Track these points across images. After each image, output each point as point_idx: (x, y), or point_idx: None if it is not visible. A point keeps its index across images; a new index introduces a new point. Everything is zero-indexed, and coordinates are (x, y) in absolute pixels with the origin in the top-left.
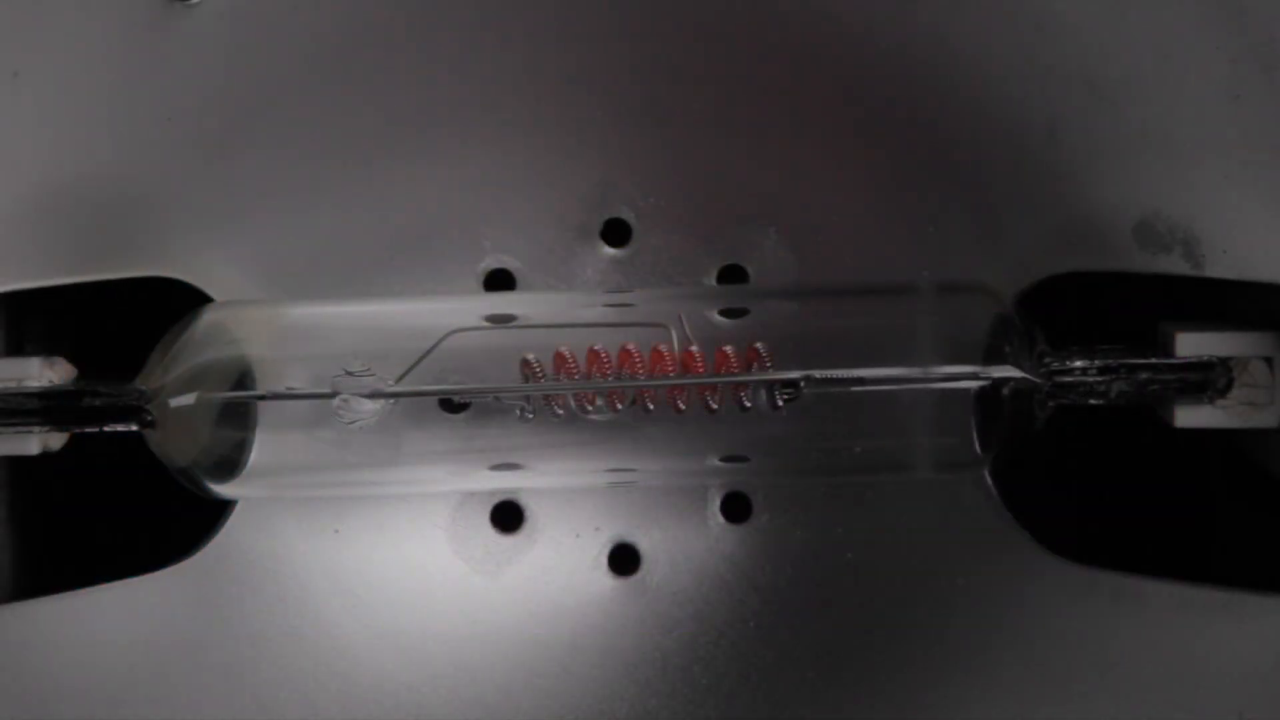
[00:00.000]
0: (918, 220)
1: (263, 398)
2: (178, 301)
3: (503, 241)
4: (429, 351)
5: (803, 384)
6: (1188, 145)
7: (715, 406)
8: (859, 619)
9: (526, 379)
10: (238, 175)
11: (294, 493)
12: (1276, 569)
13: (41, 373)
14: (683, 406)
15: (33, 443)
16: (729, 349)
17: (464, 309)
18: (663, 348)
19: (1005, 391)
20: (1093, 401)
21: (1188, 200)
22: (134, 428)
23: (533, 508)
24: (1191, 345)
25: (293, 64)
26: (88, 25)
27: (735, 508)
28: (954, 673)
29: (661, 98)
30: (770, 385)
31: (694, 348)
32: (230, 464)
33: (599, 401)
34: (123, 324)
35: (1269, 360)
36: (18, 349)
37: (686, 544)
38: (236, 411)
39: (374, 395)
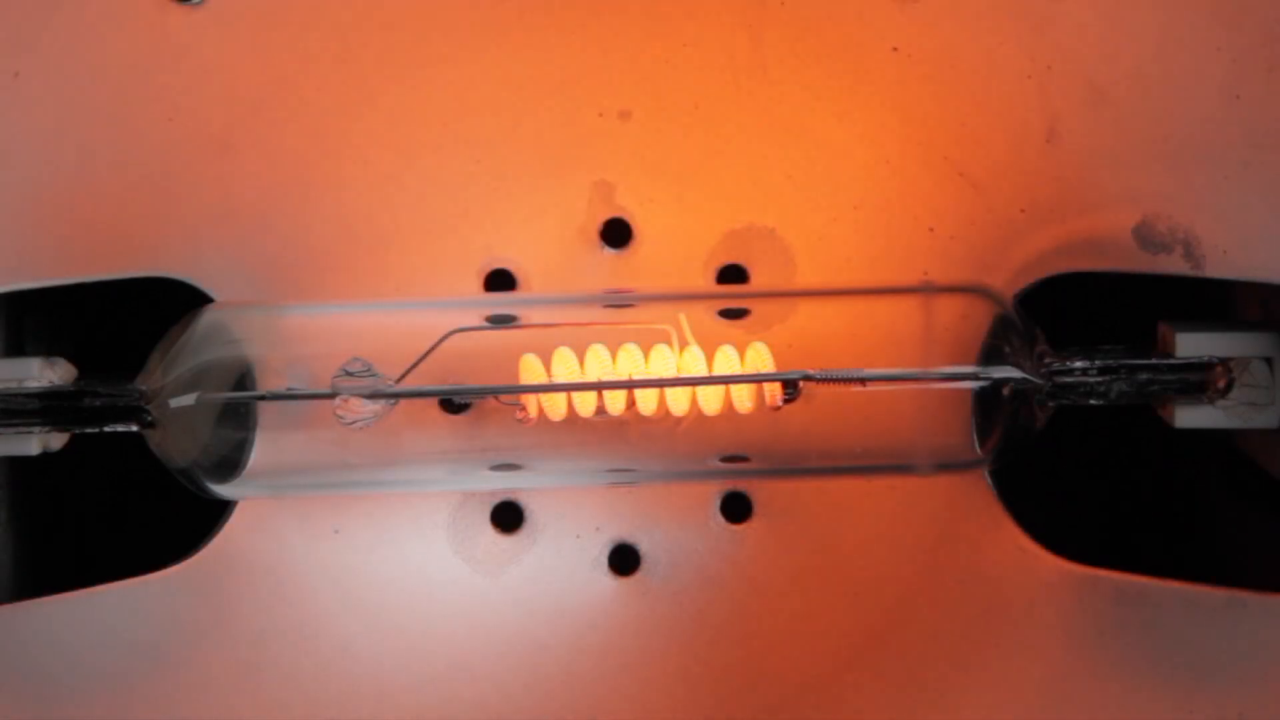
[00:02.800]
0: (918, 220)
1: (263, 398)
2: (178, 301)
3: (503, 241)
4: (429, 351)
5: (802, 384)
6: (1188, 145)
7: (716, 407)
8: (859, 619)
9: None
10: (238, 175)
11: (294, 493)
12: (1276, 569)
13: (41, 373)
14: (683, 406)
15: (33, 443)
16: (729, 349)
17: (464, 309)
18: (663, 348)
19: (1005, 392)
20: (1093, 402)
21: (1188, 200)
22: (134, 428)
23: (533, 508)
24: (1191, 345)
25: (293, 63)
26: (88, 25)
27: (735, 508)
28: (954, 673)
29: (662, 98)
30: (770, 385)
31: (694, 348)
32: (230, 464)
33: (599, 402)
34: (123, 324)
35: (1269, 360)
36: (18, 349)
37: (686, 544)
38: (237, 412)
39: (374, 395)
